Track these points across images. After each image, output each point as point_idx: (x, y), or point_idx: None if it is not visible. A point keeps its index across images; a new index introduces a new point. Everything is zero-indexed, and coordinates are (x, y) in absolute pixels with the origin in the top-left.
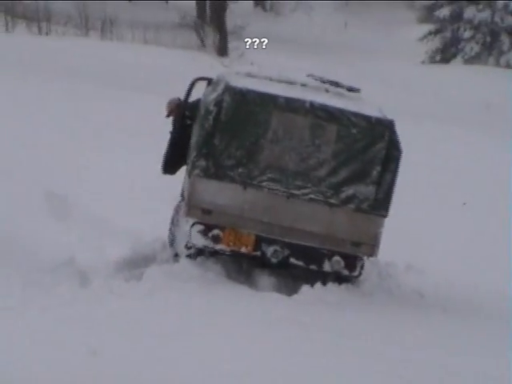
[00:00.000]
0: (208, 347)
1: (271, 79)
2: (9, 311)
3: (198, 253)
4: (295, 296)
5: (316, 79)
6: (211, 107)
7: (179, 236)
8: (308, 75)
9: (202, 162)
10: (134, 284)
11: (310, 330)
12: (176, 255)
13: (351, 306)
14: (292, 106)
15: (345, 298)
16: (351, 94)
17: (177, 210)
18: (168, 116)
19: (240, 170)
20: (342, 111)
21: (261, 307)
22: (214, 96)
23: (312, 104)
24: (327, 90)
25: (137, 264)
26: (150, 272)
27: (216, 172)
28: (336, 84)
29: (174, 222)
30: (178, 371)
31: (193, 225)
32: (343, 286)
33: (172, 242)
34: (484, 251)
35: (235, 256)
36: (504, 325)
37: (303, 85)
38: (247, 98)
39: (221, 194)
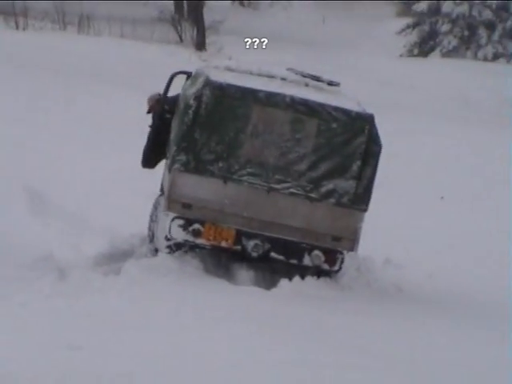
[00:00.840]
0: (188, 341)
1: (251, 73)
2: None
3: (177, 247)
4: (274, 290)
5: (296, 73)
6: (191, 101)
7: (159, 231)
8: (288, 69)
9: (183, 157)
10: (113, 278)
11: (290, 323)
12: (156, 251)
13: (330, 299)
14: (272, 100)
15: (323, 292)
16: (331, 88)
17: (155, 206)
18: (149, 112)
19: (220, 164)
20: (322, 105)
21: (240, 301)
22: (193, 90)
23: (292, 98)
24: (307, 84)
25: (115, 259)
26: (128, 266)
27: (196, 166)
28: (316, 78)
29: (152, 219)
30: (158, 365)
31: (173, 219)
32: (322, 280)
33: (151, 238)
34: (463, 245)
35: (215, 250)
36: (485, 317)
37: (283, 79)
38: (227, 92)
39: (201, 188)
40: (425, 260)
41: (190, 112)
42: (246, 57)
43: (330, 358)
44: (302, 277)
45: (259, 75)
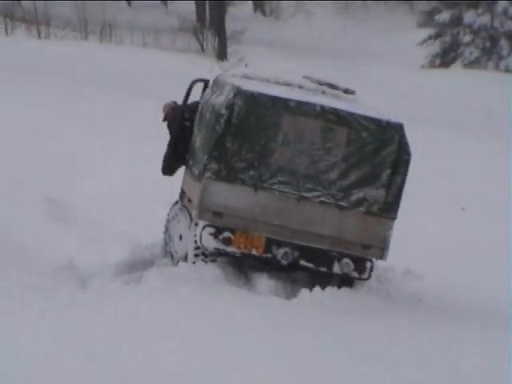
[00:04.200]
0: (208, 350)
1: (268, 81)
2: (8, 314)
3: (205, 255)
4: (294, 299)
5: (312, 81)
6: (222, 110)
7: (187, 239)
8: (304, 77)
9: (214, 165)
10: (133, 287)
11: (310, 333)
12: (177, 262)
13: (350, 309)
14: (303, 109)
15: (343, 302)
16: (347, 96)
17: (168, 221)
18: (164, 120)
19: (251, 172)
20: (352, 114)
21: (260, 310)
22: (223, 99)
23: (323, 107)
24: (324, 92)
25: (136, 267)
26: (148, 275)
27: (227, 175)
28: (332, 86)
29: (166, 240)
30: (178, 374)
31: (204, 227)
32: (342, 290)
33: (170, 255)
34: (483, 256)
35: (245, 258)
36: (503, 328)
37: (300, 87)
38: (259, 101)
39: (232, 196)
40: (446, 271)
41: (222, 121)
42: (268, 66)
43: (344, 368)
44: (323, 287)
45: (276, 83)
